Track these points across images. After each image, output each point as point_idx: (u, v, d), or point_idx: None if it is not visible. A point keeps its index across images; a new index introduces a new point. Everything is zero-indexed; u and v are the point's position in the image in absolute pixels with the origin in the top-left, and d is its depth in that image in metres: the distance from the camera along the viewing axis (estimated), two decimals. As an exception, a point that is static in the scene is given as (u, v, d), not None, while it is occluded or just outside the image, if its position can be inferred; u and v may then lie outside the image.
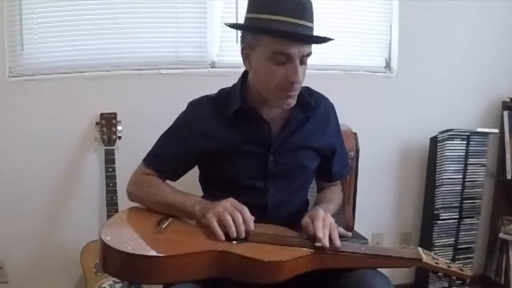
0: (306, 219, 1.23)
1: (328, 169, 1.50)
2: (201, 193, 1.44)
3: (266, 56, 1.23)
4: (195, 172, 1.46)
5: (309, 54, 1.25)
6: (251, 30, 1.26)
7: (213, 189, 1.39)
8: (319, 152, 1.44)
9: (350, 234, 1.24)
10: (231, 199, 1.22)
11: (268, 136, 1.36)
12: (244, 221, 1.18)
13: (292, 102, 1.30)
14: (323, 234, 1.16)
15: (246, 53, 1.30)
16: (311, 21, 1.23)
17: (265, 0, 1.23)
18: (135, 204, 1.40)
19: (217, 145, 1.35)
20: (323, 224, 1.18)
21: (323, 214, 1.22)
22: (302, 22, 1.21)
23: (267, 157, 1.36)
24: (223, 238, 1.15)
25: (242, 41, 1.31)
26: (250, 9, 1.27)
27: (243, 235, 1.17)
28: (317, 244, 1.16)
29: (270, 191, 1.38)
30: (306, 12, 1.22)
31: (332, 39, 1.27)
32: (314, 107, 1.40)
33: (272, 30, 1.19)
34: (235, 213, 1.18)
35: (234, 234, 1.15)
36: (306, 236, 1.21)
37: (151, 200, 1.34)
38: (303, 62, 1.25)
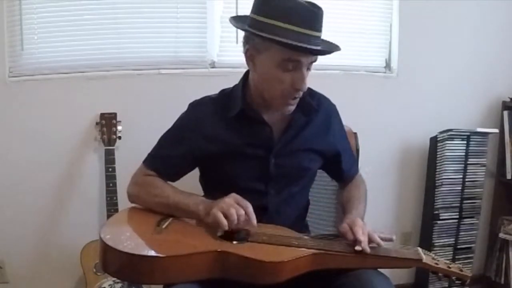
0: (344, 225, 1.24)
1: (338, 169, 1.51)
2: (201, 194, 1.44)
3: (275, 62, 1.23)
4: (195, 172, 1.46)
5: (315, 60, 1.26)
6: (264, 37, 1.21)
7: (214, 190, 1.38)
8: (321, 154, 1.44)
9: (394, 238, 1.25)
10: (234, 195, 1.22)
11: (270, 139, 1.36)
12: (248, 217, 1.18)
13: (293, 108, 1.32)
14: (363, 238, 1.18)
15: (251, 54, 1.28)
16: (321, 30, 1.24)
17: (278, 6, 1.20)
18: (135, 204, 1.39)
19: (219, 147, 1.35)
20: (362, 231, 1.20)
21: (361, 223, 1.23)
22: (313, 33, 1.21)
23: (268, 160, 1.36)
24: (227, 227, 1.15)
25: (246, 42, 1.28)
26: (259, 11, 1.24)
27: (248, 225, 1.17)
28: (357, 248, 1.17)
29: (271, 193, 1.38)
30: (317, 22, 1.22)
31: (340, 49, 1.29)
32: (316, 110, 1.40)
33: (288, 43, 1.17)
34: (239, 209, 1.18)
35: (234, 222, 1.15)
36: (346, 242, 1.21)
37: (153, 201, 1.33)
38: (308, 68, 1.26)
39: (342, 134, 1.52)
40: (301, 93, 1.28)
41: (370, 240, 1.21)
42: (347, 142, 1.54)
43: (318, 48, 1.22)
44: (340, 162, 1.49)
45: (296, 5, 1.20)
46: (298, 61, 1.22)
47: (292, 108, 1.31)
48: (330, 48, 1.28)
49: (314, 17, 1.21)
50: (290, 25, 1.19)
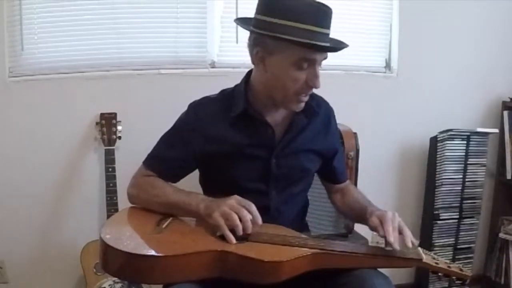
0: (374, 219, 1.23)
1: (333, 170, 1.51)
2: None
3: (290, 62, 1.22)
4: (195, 173, 1.46)
5: (326, 57, 1.28)
6: (279, 37, 1.19)
7: (214, 191, 1.37)
8: (321, 155, 1.44)
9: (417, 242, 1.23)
10: (236, 197, 1.21)
11: (271, 140, 1.36)
12: (252, 216, 1.17)
13: (303, 104, 1.32)
14: (394, 238, 1.16)
15: (261, 56, 1.27)
16: (330, 27, 1.24)
17: (288, 6, 1.20)
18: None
19: (219, 148, 1.34)
20: (393, 226, 1.18)
21: (391, 215, 1.21)
22: (325, 30, 1.22)
23: (270, 160, 1.36)
24: (234, 241, 1.14)
25: (256, 44, 1.26)
26: (267, 12, 1.22)
27: (249, 231, 1.16)
28: (388, 248, 1.17)
29: (272, 194, 1.38)
30: (327, 19, 1.23)
31: (348, 46, 1.31)
32: (317, 112, 1.41)
33: (306, 43, 1.17)
34: (241, 211, 1.17)
35: (240, 233, 1.15)
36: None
37: (153, 201, 1.33)
38: (320, 65, 1.27)
39: (338, 137, 1.54)
40: (312, 90, 1.29)
41: (400, 233, 1.19)
42: (341, 146, 1.55)
43: (333, 45, 1.24)
44: (335, 163, 1.50)
45: (305, 4, 1.20)
46: (313, 59, 1.22)
47: (303, 104, 1.32)
48: (341, 44, 1.30)
49: (324, 14, 1.22)
50: (303, 24, 1.18)
